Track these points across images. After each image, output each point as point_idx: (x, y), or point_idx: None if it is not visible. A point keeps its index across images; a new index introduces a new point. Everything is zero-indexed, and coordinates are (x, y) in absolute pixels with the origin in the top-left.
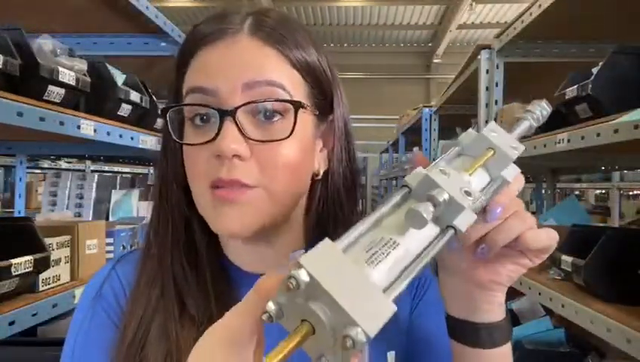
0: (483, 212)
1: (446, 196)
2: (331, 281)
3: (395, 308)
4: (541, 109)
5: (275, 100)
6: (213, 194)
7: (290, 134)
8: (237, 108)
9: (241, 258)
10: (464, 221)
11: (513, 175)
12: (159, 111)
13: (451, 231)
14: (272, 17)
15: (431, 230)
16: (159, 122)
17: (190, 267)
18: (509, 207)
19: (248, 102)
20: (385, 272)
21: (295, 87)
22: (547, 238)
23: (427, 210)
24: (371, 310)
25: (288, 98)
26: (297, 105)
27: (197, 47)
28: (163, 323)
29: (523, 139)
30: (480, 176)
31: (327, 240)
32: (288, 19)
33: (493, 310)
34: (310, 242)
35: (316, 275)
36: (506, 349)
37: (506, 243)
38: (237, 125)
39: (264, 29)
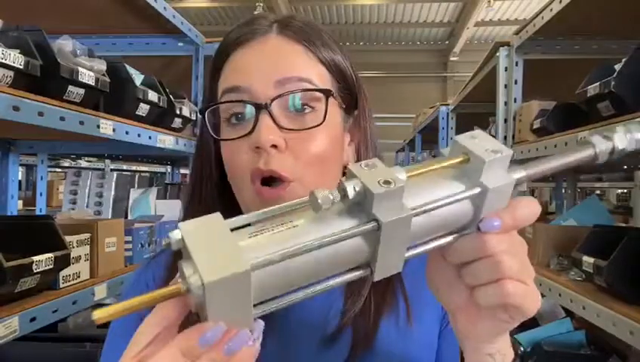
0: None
1: (358, 184)
2: (195, 240)
3: (247, 267)
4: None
5: (307, 90)
6: (256, 192)
7: (323, 121)
8: (272, 100)
9: None
10: (388, 212)
11: (497, 183)
12: (199, 113)
13: (373, 224)
14: (298, 19)
15: (346, 220)
16: (177, 121)
17: None
18: (507, 228)
19: (282, 94)
20: (260, 243)
21: (323, 81)
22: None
23: (324, 194)
24: (219, 264)
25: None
26: (327, 94)
27: (229, 51)
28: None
29: (545, 136)
30: (443, 183)
31: (217, 213)
32: (312, 22)
33: (480, 360)
34: None
35: (185, 235)
36: None
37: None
38: (272, 117)
39: (292, 28)
